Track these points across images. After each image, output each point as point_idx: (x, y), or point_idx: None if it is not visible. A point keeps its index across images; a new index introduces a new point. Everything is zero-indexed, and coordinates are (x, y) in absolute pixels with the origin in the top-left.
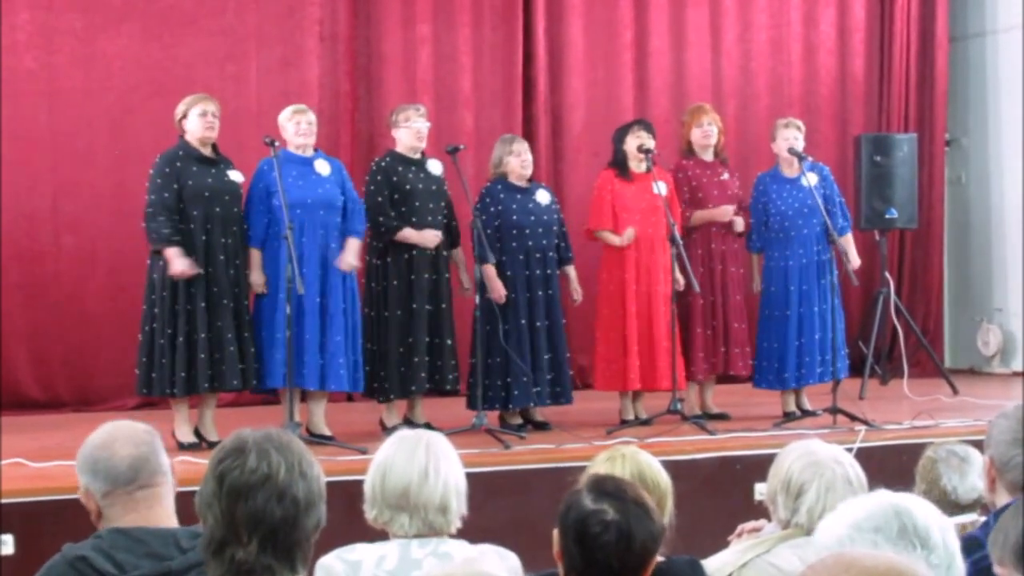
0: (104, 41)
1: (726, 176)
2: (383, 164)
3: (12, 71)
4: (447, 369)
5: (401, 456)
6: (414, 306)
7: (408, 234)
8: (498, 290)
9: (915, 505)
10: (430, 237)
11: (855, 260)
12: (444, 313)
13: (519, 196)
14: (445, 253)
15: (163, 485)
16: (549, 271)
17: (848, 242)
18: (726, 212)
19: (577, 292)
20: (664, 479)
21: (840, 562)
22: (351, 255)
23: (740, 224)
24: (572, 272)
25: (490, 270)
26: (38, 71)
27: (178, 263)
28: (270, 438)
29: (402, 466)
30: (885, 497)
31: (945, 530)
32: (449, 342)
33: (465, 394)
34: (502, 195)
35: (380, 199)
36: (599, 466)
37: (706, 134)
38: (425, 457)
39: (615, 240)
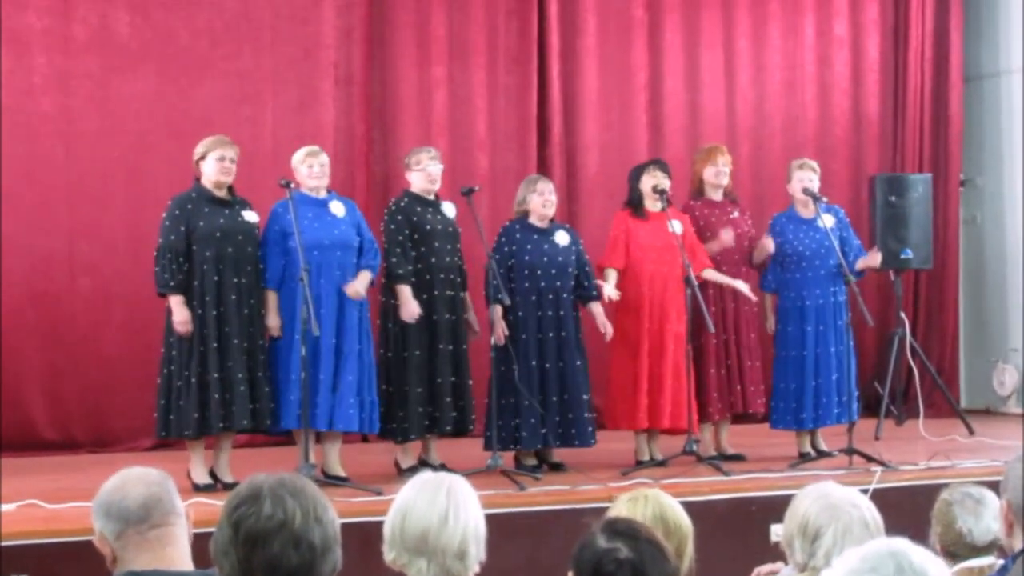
0: (120, 84)
1: (736, 214)
2: (402, 204)
3: (29, 113)
4: (468, 409)
5: (422, 499)
6: (440, 346)
7: (403, 292)
8: (497, 332)
9: (910, 547)
10: (412, 310)
11: (876, 256)
12: (463, 353)
13: (535, 236)
14: (462, 294)
15: (177, 526)
16: (562, 312)
17: (865, 260)
18: (726, 236)
19: (605, 327)
20: (685, 522)
21: None
22: (361, 284)
23: (771, 245)
24: (598, 308)
25: (497, 311)
26: (55, 114)
27: (177, 313)
28: (284, 484)
29: (422, 509)
30: (880, 542)
31: (942, 572)
32: (469, 382)
33: (483, 435)
34: (518, 235)
35: (401, 238)
36: (621, 507)
37: (720, 173)
38: (446, 501)
39: (604, 287)
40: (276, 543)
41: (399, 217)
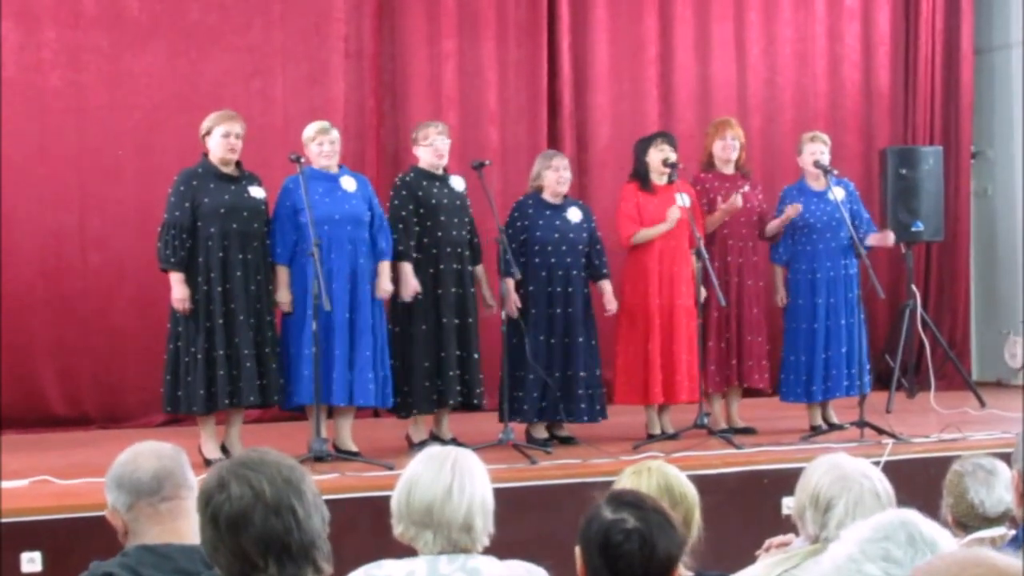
0: (130, 58)
1: (746, 188)
2: (407, 179)
3: (39, 89)
4: (475, 383)
5: (427, 473)
6: (444, 320)
7: (404, 269)
8: (511, 304)
9: (919, 518)
10: (411, 287)
11: (888, 235)
12: (470, 327)
13: (548, 213)
14: (469, 268)
15: (188, 499)
16: (571, 289)
17: (876, 239)
18: (734, 200)
19: (611, 303)
20: (691, 492)
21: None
22: (385, 280)
23: (791, 210)
24: (607, 286)
25: (510, 284)
26: (65, 89)
27: (176, 291)
28: (244, 462)
29: (427, 483)
30: (890, 512)
31: (949, 543)
32: (476, 356)
33: (497, 408)
34: (531, 210)
35: (404, 214)
36: (625, 480)
37: (728, 147)
38: (451, 475)
39: (660, 228)
40: (256, 519)
41: (404, 193)
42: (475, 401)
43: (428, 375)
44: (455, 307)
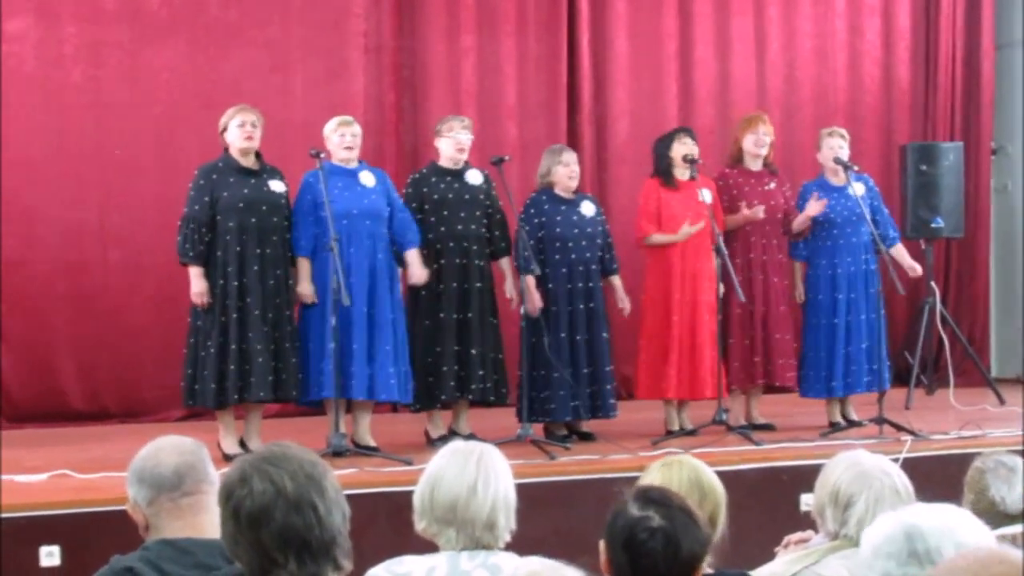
0: (150, 54)
1: (772, 186)
2: (417, 176)
3: (59, 84)
4: (473, 379)
5: (451, 469)
6: (441, 315)
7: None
8: (533, 302)
9: (932, 524)
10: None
11: (915, 266)
12: (472, 323)
13: (563, 208)
14: (480, 263)
15: (209, 494)
16: (592, 284)
17: (902, 252)
18: (756, 212)
19: (624, 301)
20: (719, 486)
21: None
22: (418, 267)
23: (816, 206)
24: (618, 282)
25: (530, 281)
26: (85, 84)
27: (194, 285)
28: (267, 457)
29: (451, 480)
30: (903, 517)
31: (962, 548)
32: (474, 351)
33: (512, 405)
34: (546, 206)
35: (412, 207)
36: (655, 474)
37: (760, 142)
38: (475, 471)
39: (671, 237)
40: (277, 514)
41: (410, 190)
42: (471, 397)
43: (427, 370)
44: (456, 302)
